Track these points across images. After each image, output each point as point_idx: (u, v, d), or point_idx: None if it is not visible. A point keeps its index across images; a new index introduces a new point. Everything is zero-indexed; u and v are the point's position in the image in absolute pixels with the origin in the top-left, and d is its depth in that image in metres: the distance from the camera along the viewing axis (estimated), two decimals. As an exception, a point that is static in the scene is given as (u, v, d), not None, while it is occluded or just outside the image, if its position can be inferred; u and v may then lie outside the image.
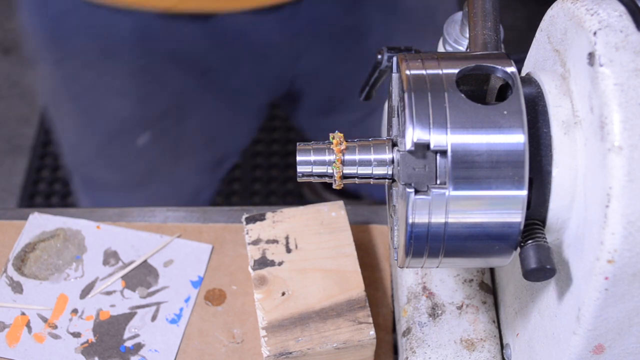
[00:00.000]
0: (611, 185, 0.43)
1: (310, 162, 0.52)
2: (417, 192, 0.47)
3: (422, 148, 0.47)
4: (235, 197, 1.85)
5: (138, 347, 0.70)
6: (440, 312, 0.66)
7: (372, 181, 0.53)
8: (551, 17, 0.52)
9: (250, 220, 0.70)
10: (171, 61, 0.91)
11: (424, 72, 0.49)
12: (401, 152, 0.48)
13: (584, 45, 0.46)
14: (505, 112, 0.47)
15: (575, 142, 0.48)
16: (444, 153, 0.47)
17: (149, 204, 0.87)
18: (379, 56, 0.68)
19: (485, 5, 0.57)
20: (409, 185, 0.47)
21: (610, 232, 0.44)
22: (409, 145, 0.47)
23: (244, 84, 1.00)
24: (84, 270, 0.75)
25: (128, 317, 0.72)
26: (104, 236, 0.77)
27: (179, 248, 0.76)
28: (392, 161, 0.52)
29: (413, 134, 0.47)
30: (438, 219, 0.48)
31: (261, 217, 0.70)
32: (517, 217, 0.47)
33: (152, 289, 0.74)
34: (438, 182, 0.47)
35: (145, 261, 0.75)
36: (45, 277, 0.74)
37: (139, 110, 1.01)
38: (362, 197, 1.20)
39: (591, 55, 0.45)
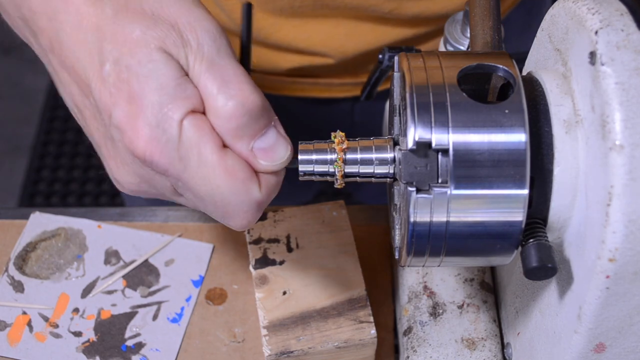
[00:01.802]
0: (612, 183, 0.43)
1: (312, 161, 0.53)
2: (418, 190, 0.47)
3: (423, 147, 0.47)
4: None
5: (139, 346, 0.70)
6: (441, 311, 0.66)
7: (373, 180, 0.53)
8: (552, 16, 0.52)
9: (252, 219, 0.70)
10: None
11: (425, 71, 0.49)
12: (403, 151, 0.48)
13: (585, 44, 0.46)
14: (506, 111, 0.47)
15: (576, 141, 0.48)
16: (445, 152, 0.47)
17: (150, 203, 0.87)
18: (380, 56, 0.68)
19: (487, 4, 0.57)
20: (410, 184, 0.47)
21: (611, 230, 0.44)
22: (410, 144, 0.47)
23: None
24: (85, 269, 0.75)
25: (129, 316, 0.72)
26: (105, 235, 0.77)
27: (180, 247, 0.76)
28: (394, 160, 0.52)
29: (415, 133, 0.47)
30: (439, 217, 0.48)
31: (262, 217, 0.70)
32: (518, 215, 0.48)
33: (153, 288, 0.74)
34: (439, 180, 0.47)
35: (146, 260, 0.75)
36: (46, 276, 0.74)
37: None
38: None
39: (592, 54, 0.45)
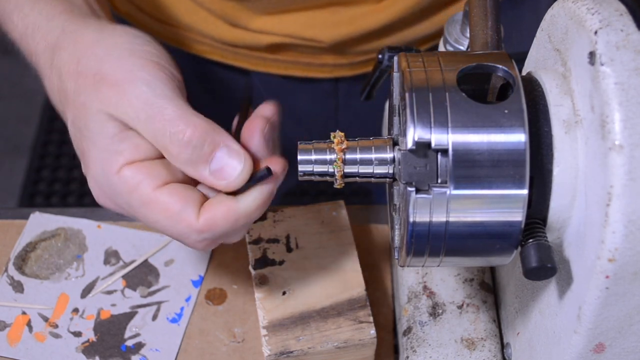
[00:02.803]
0: (612, 184, 0.43)
1: (311, 161, 0.53)
2: (418, 191, 0.47)
3: (423, 147, 0.47)
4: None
5: (139, 346, 0.70)
6: (440, 311, 0.66)
7: (373, 180, 0.53)
8: (552, 16, 0.52)
9: (251, 219, 0.70)
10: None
11: (424, 71, 0.49)
12: (402, 151, 0.48)
13: (584, 45, 0.46)
14: (506, 111, 0.47)
15: (576, 141, 0.48)
16: (445, 152, 0.47)
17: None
18: (380, 56, 0.68)
19: (486, 4, 0.57)
20: (410, 184, 0.47)
21: (611, 230, 0.44)
22: (410, 144, 0.47)
23: None
24: (85, 269, 0.75)
25: (129, 316, 0.72)
26: (105, 235, 0.77)
27: (179, 247, 0.76)
28: (393, 160, 0.52)
29: (414, 133, 0.47)
30: (439, 217, 0.48)
31: (262, 217, 0.70)
32: (518, 215, 0.48)
33: (152, 288, 0.74)
34: (439, 180, 0.47)
35: (146, 260, 0.75)
36: (46, 276, 0.74)
37: None
38: None
39: (592, 54, 0.45)
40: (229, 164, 0.54)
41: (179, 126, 0.53)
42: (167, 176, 0.55)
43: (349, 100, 0.97)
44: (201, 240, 0.55)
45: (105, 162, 0.55)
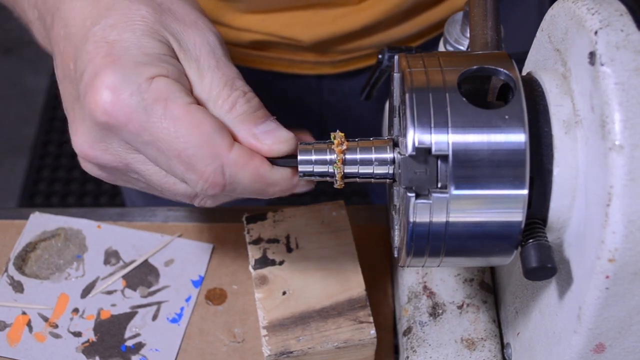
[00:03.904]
0: (612, 184, 0.43)
1: (311, 161, 0.53)
2: (418, 196, 0.47)
3: (423, 152, 0.47)
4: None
5: (139, 346, 0.70)
6: (440, 311, 0.66)
7: (373, 180, 0.53)
8: (552, 16, 0.52)
9: (251, 219, 0.70)
10: None
11: (425, 72, 0.49)
12: (402, 156, 0.48)
13: (585, 45, 0.46)
14: (507, 117, 0.47)
15: (576, 141, 0.48)
16: (445, 157, 0.47)
17: (149, 203, 0.87)
18: (380, 56, 0.68)
19: (486, 5, 0.57)
20: (410, 189, 0.47)
21: (611, 231, 0.44)
22: (410, 150, 0.47)
23: None
24: (85, 269, 0.75)
25: (129, 316, 0.72)
26: (105, 236, 0.77)
27: (179, 247, 0.76)
28: (393, 161, 0.52)
29: (414, 138, 0.47)
30: (439, 218, 0.48)
31: (262, 217, 0.70)
32: (518, 216, 0.48)
33: (153, 289, 0.74)
34: (439, 185, 0.47)
35: (146, 261, 0.75)
36: (46, 276, 0.74)
37: None
38: None
39: (592, 55, 0.45)
40: (279, 130, 0.53)
41: (244, 87, 0.54)
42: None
43: (333, 96, 0.98)
44: (219, 177, 0.51)
45: (140, 65, 0.50)
